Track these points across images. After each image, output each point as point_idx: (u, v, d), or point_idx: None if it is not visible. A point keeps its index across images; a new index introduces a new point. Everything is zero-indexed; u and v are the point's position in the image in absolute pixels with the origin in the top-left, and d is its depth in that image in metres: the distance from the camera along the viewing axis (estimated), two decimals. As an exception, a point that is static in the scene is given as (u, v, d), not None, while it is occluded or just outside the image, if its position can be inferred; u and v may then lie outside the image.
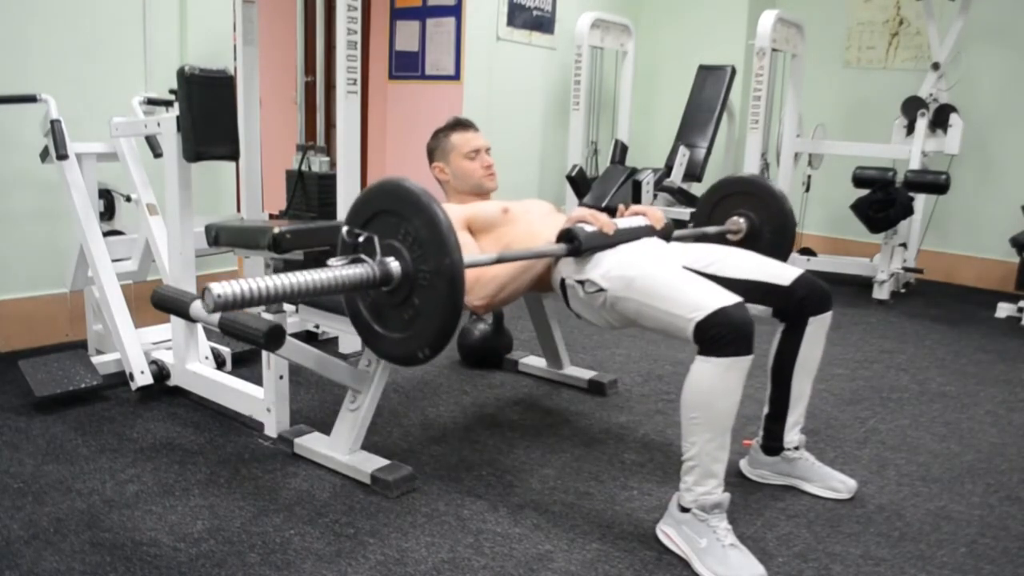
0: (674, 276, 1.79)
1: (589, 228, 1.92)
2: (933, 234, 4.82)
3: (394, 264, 1.59)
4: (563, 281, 2.00)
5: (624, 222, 2.04)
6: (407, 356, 1.69)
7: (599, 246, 1.93)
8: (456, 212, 2.18)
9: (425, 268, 1.57)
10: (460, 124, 2.38)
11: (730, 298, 1.67)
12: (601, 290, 1.86)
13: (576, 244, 1.90)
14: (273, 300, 1.44)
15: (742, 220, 2.34)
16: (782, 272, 1.99)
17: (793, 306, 1.97)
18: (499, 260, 1.81)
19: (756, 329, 1.66)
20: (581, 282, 1.92)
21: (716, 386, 1.65)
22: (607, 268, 1.88)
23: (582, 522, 1.87)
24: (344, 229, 1.66)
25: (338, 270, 1.54)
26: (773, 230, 2.32)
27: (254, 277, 1.44)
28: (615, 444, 2.33)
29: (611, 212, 4.63)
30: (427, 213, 1.56)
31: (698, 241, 2.22)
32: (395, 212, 1.62)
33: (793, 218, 2.29)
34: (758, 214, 2.32)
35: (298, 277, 1.48)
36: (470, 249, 2.13)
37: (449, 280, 1.53)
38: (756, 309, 1.94)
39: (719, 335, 1.63)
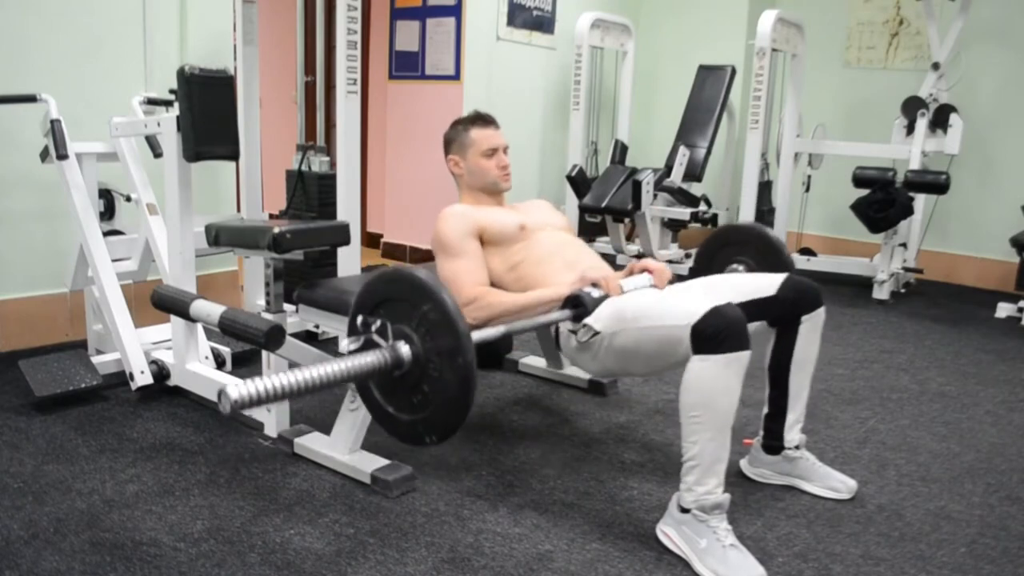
0: (661, 296, 1.86)
1: (596, 293, 1.92)
2: (933, 234, 4.82)
3: (405, 349, 1.59)
4: (557, 327, 2.02)
5: (629, 283, 2.02)
6: (413, 438, 1.69)
7: None
8: (470, 216, 2.16)
9: (436, 359, 1.57)
10: (481, 119, 2.31)
11: (720, 300, 1.70)
12: (596, 334, 1.87)
13: (581, 311, 1.90)
14: (290, 396, 1.44)
15: (741, 267, 2.35)
16: (766, 283, 2.01)
17: (786, 311, 1.99)
18: (507, 334, 1.80)
19: (755, 333, 1.68)
20: (574, 331, 1.93)
21: (716, 384, 1.65)
22: (598, 313, 1.89)
23: (582, 522, 1.87)
24: (359, 319, 1.66)
25: (351, 360, 1.54)
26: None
27: (270, 375, 1.43)
28: (615, 444, 2.33)
29: (613, 213, 4.62)
30: (437, 301, 1.56)
31: None
32: (405, 300, 1.62)
33: (792, 264, 2.30)
34: (757, 262, 2.33)
35: (314, 371, 1.47)
36: (476, 261, 2.12)
37: (461, 379, 1.53)
38: (752, 327, 1.95)
39: (714, 333, 1.64)
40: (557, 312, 1.93)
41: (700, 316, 1.66)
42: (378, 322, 1.63)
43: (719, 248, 2.37)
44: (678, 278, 2.17)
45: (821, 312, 2.00)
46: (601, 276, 1.94)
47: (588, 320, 1.88)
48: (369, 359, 1.55)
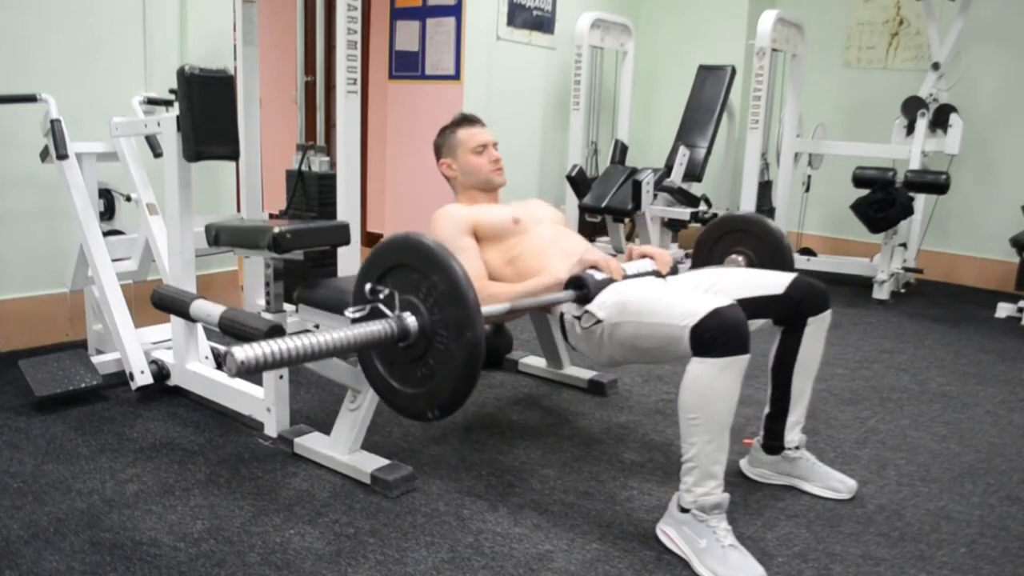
0: (665, 291, 1.83)
1: (599, 275, 1.92)
2: (933, 234, 4.82)
3: (411, 320, 1.58)
4: (562, 315, 2.02)
5: (632, 267, 2.03)
6: (415, 413, 1.67)
7: None
8: (463, 215, 2.17)
9: (444, 332, 1.55)
10: (466, 119, 2.36)
11: (722, 301, 1.68)
12: (598, 321, 1.87)
13: (585, 292, 1.90)
14: (295, 361, 1.44)
15: (740, 258, 2.34)
16: (775, 281, 2.00)
17: (792, 311, 1.98)
18: (512, 311, 1.80)
19: (759, 330, 1.67)
20: (578, 317, 1.93)
21: (714, 387, 1.65)
22: (602, 299, 1.88)
23: (582, 522, 1.87)
24: (367, 287, 1.65)
25: (357, 329, 1.53)
26: (772, 267, 2.32)
27: (275, 339, 1.44)
28: (615, 444, 2.33)
29: (613, 213, 4.62)
30: (448, 272, 1.54)
31: None
32: (414, 268, 1.60)
33: (791, 254, 2.30)
34: (756, 252, 2.33)
35: (319, 338, 1.47)
36: (473, 256, 2.13)
37: (468, 353, 1.52)
38: (756, 324, 1.94)
39: (714, 336, 1.63)
40: (561, 293, 1.93)
41: (701, 317, 1.65)
42: (385, 291, 1.62)
43: (719, 237, 2.36)
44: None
45: (827, 315, 1.99)
46: (601, 258, 1.94)
47: (591, 308, 1.87)
48: (375, 328, 1.54)
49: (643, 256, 2.09)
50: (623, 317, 1.82)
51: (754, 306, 1.91)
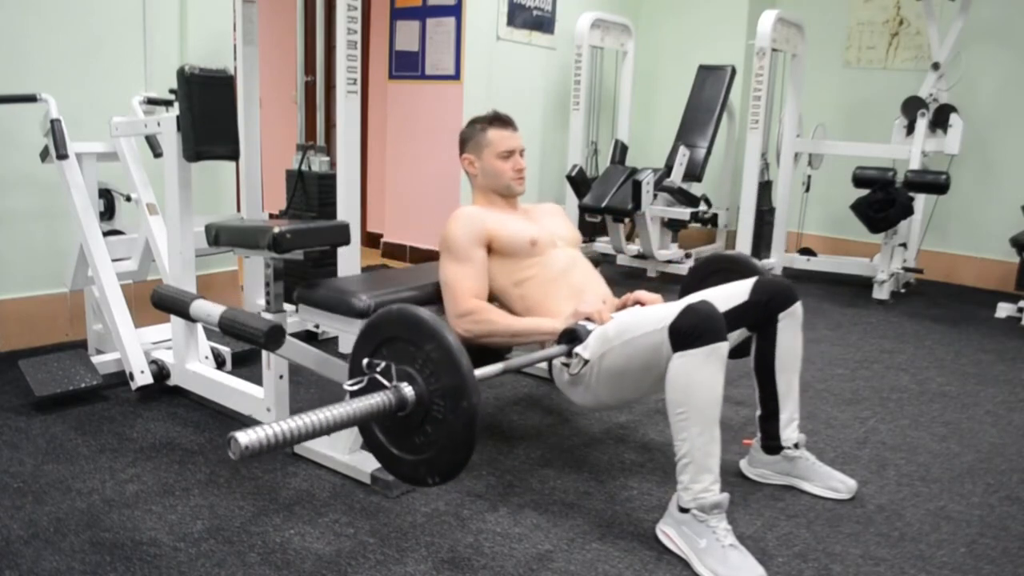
0: (639, 311, 1.91)
1: (591, 326, 1.93)
2: (933, 234, 4.82)
3: (408, 390, 1.58)
4: (550, 362, 2.03)
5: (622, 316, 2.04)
6: (415, 479, 1.67)
7: None
8: (481, 223, 2.15)
9: (440, 401, 1.56)
10: (499, 119, 2.28)
11: (694, 299, 1.74)
12: (586, 362, 1.88)
13: (577, 345, 1.92)
14: (297, 440, 1.44)
15: None
16: (739, 290, 2.02)
17: (762, 313, 2.00)
18: (505, 372, 1.80)
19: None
20: (566, 364, 1.94)
21: (696, 378, 1.67)
22: (585, 342, 1.91)
23: (582, 522, 1.87)
24: (364, 362, 1.66)
25: (356, 403, 1.53)
26: None
27: (278, 421, 1.44)
28: (615, 444, 2.33)
29: (613, 213, 4.61)
30: (440, 341, 1.55)
31: None
32: (408, 340, 1.61)
33: None
34: None
35: (320, 416, 1.47)
36: (479, 270, 2.12)
37: (465, 422, 1.52)
38: (733, 336, 1.95)
39: (690, 329, 1.67)
40: (555, 348, 1.94)
41: (676, 315, 1.70)
42: (382, 364, 1.63)
43: (707, 275, 2.37)
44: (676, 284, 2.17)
45: (798, 308, 2.01)
46: (595, 310, 1.95)
47: (576, 350, 1.90)
48: (373, 401, 1.55)
49: (636, 303, 2.10)
50: (607, 346, 1.85)
51: (726, 320, 1.91)
